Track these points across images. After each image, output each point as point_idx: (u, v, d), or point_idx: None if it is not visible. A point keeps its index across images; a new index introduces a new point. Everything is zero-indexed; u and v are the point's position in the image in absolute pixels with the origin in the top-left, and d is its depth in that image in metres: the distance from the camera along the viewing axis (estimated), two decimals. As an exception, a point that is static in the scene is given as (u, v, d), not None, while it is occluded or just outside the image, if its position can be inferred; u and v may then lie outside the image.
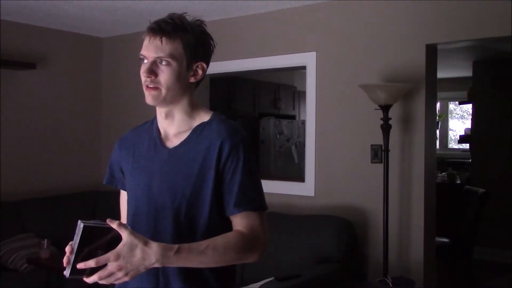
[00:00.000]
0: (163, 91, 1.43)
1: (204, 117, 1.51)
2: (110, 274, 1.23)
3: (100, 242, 1.26)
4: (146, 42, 1.44)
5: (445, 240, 4.47)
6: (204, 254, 1.31)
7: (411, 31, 3.42)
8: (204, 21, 1.53)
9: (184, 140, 1.48)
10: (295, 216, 3.63)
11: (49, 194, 4.57)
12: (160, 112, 1.52)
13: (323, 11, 3.79)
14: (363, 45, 3.61)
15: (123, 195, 1.63)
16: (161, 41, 1.41)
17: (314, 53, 3.82)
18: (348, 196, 3.65)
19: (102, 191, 4.62)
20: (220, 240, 1.35)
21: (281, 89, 6.67)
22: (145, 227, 1.45)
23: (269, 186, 4.24)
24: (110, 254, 1.22)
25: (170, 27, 1.42)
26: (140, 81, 1.47)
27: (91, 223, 1.26)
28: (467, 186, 4.97)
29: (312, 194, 3.81)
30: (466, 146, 7.57)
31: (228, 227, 1.43)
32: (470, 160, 6.57)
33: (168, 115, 1.50)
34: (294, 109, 6.92)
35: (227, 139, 1.43)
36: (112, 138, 1.70)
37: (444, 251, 4.29)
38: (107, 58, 5.12)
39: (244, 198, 1.42)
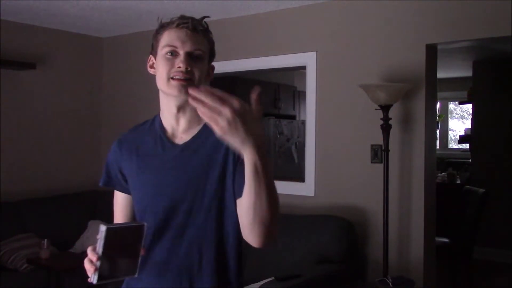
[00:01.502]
0: (195, 82, 1.45)
1: None
2: (215, 109, 1.08)
3: (130, 240, 1.26)
4: (180, 34, 1.45)
5: (445, 240, 4.47)
6: (269, 173, 1.24)
7: (411, 31, 3.42)
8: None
9: (196, 134, 1.48)
10: (295, 216, 3.63)
11: (49, 194, 4.57)
12: (171, 106, 1.49)
13: (323, 11, 3.79)
14: (363, 45, 3.61)
15: (119, 197, 1.62)
16: (198, 35, 1.47)
17: (314, 53, 3.82)
18: (348, 196, 3.65)
19: (102, 191, 4.62)
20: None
21: (281, 89, 6.67)
22: (162, 222, 1.44)
23: (269, 186, 4.27)
24: (222, 94, 1.08)
25: (202, 25, 1.49)
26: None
27: (113, 225, 1.27)
28: (467, 186, 4.97)
29: (312, 194, 3.81)
30: (466, 146, 7.57)
31: None
32: (470, 160, 6.57)
33: (180, 109, 1.49)
34: (294, 109, 6.92)
35: None
36: (112, 138, 1.68)
37: (444, 251, 4.28)
38: (107, 58, 5.12)
39: None
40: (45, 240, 3.63)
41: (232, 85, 5.91)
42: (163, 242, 1.45)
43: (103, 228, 1.22)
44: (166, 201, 1.45)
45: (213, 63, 1.57)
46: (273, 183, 1.26)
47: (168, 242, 1.44)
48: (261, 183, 1.22)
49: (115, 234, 1.24)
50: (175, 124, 1.51)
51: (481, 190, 4.49)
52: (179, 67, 1.43)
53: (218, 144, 1.40)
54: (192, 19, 1.47)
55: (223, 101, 1.08)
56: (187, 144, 1.48)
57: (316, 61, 3.81)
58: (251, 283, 3.13)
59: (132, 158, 1.54)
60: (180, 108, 1.49)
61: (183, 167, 1.45)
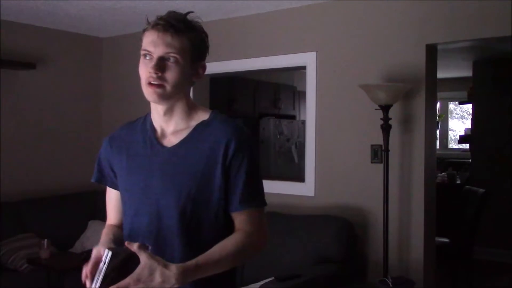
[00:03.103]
0: (168, 88, 1.40)
1: (203, 115, 1.50)
2: None
3: (116, 262, 1.26)
4: (153, 37, 1.40)
5: (445, 240, 4.46)
6: (219, 263, 1.34)
7: (411, 31, 3.42)
8: (200, 18, 1.50)
9: (185, 139, 1.46)
10: (295, 216, 3.63)
11: (49, 194, 4.57)
12: (158, 109, 1.49)
13: (323, 11, 3.79)
14: (363, 45, 3.61)
15: (111, 194, 1.61)
16: (172, 37, 1.39)
17: (314, 53, 3.82)
18: (348, 196, 3.65)
19: (102, 191, 4.55)
20: (229, 245, 1.37)
21: (281, 89, 6.67)
22: (148, 227, 1.44)
23: (269, 186, 4.24)
24: (130, 279, 1.21)
25: (180, 23, 1.40)
26: (140, 81, 1.45)
27: (112, 248, 1.28)
28: (467, 186, 4.96)
29: (312, 194, 3.81)
30: (466, 146, 7.57)
31: (230, 221, 1.45)
32: (470, 160, 6.57)
33: (166, 112, 1.48)
34: (294, 109, 6.92)
35: (233, 138, 1.42)
36: (112, 138, 1.67)
37: (444, 251, 4.28)
38: (107, 58, 5.12)
39: (248, 196, 1.43)
40: (45, 240, 3.63)
41: (232, 85, 5.92)
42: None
43: (109, 253, 1.23)
44: (153, 207, 1.44)
45: (206, 62, 1.53)
46: (225, 259, 1.36)
47: (154, 247, 1.42)
48: (220, 270, 1.37)
49: (117, 261, 1.25)
50: (164, 125, 1.50)
51: (481, 190, 4.49)
52: (150, 72, 1.40)
53: (209, 151, 1.42)
54: (169, 19, 1.40)
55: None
56: (176, 148, 1.46)
57: (316, 61, 3.81)
58: (251, 283, 3.13)
59: (122, 156, 1.53)
60: (167, 111, 1.47)
61: (171, 172, 1.43)
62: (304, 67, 3.93)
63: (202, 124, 1.47)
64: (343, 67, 3.71)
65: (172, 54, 1.39)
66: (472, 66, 6.21)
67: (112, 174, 1.58)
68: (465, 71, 6.61)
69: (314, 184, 3.80)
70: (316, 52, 3.82)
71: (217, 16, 4.11)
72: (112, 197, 1.62)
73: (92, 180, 1.65)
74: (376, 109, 3.33)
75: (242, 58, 4.16)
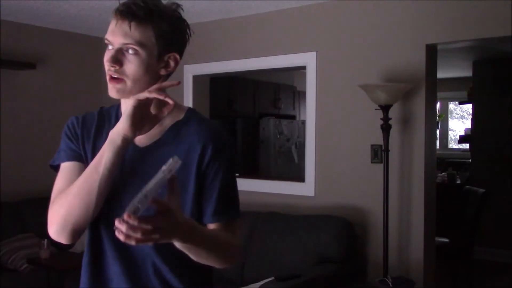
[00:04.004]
0: (129, 83, 1.25)
1: (177, 114, 1.34)
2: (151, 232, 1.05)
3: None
4: (113, 25, 1.25)
5: (445, 240, 4.47)
6: (205, 240, 1.21)
7: (411, 31, 3.42)
8: (181, 5, 1.32)
9: (158, 140, 1.31)
10: (295, 216, 3.63)
11: (49, 194, 4.52)
12: (127, 105, 1.29)
13: (323, 11, 3.79)
14: (363, 45, 3.61)
15: (75, 167, 1.33)
16: (130, 26, 1.22)
17: (314, 53, 3.82)
18: (348, 196, 3.65)
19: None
20: (217, 234, 1.29)
21: (281, 89, 6.67)
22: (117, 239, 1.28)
23: (269, 186, 4.28)
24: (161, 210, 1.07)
25: (142, 11, 1.22)
26: None
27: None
28: (467, 186, 4.97)
29: (312, 194, 3.81)
30: (466, 146, 7.57)
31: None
32: (470, 160, 6.57)
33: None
34: (294, 109, 6.92)
35: (210, 142, 1.29)
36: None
37: (444, 251, 4.28)
38: (107, 58, 5.12)
39: (222, 207, 1.31)
40: (45, 240, 3.63)
41: (232, 85, 5.92)
42: (116, 258, 1.30)
43: (178, 160, 1.08)
44: (122, 210, 1.26)
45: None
46: (212, 243, 1.24)
47: (122, 258, 1.30)
48: (197, 251, 1.22)
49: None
50: None
51: (481, 190, 4.49)
52: (107, 65, 1.25)
53: (184, 155, 1.27)
54: (131, 4, 1.23)
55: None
56: (148, 149, 1.31)
57: (316, 61, 3.81)
58: (251, 283, 3.13)
59: (89, 146, 1.35)
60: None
61: (141, 175, 1.23)
62: (304, 67, 3.93)
63: (177, 125, 1.33)
64: (343, 67, 3.71)
65: (130, 46, 1.23)
66: (472, 66, 6.21)
67: (84, 154, 1.35)
68: (465, 71, 6.61)
69: (314, 184, 3.80)
70: (316, 52, 3.82)
71: (217, 16, 4.11)
72: (81, 171, 1.30)
73: (56, 162, 1.37)
74: (376, 109, 3.33)
75: (242, 58, 4.16)
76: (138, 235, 1.03)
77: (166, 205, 1.07)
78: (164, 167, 1.07)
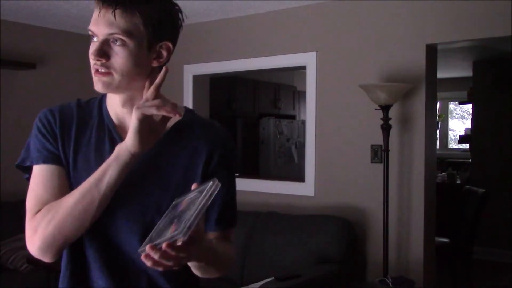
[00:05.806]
0: (116, 77, 1.15)
1: None
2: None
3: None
4: (96, 14, 1.16)
5: (445, 240, 4.46)
6: (209, 255, 1.14)
7: (411, 31, 3.42)
8: None
9: (157, 143, 1.16)
10: (295, 216, 3.63)
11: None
12: (115, 98, 1.22)
13: (323, 11, 3.79)
14: (363, 45, 3.61)
15: (55, 171, 1.19)
16: (114, 14, 1.11)
17: (314, 53, 3.82)
18: (348, 196, 3.65)
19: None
20: (212, 245, 1.19)
21: (281, 89, 6.68)
22: (104, 240, 1.18)
23: (269, 186, 4.28)
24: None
25: None
26: None
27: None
28: (467, 186, 4.96)
29: (312, 194, 3.81)
30: (466, 146, 7.57)
31: None
32: (470, 160, 6.57)
33: (126, 104, 1.21)
34: (294, 109, 6.92)
35: (218, 148, 1.22)
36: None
37: (444, 251, 4.29)
38: (107, 58, 5.12)
39: (225, 215, 1.26)
40: (45, 240, 3.63)
41: (232, 85, 5.93)
42: (103, 268, 1.19)
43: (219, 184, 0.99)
44: (111, 217, 1.17)
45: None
46: (214, 256, 1.16)
47: (110, 270, 1.19)
48: (200, 266, 1.15)
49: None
50: (125, 116, 1.23)
51: (481, 190, 4.49)
52: (92, 58, 1.16)
53: (187, 159, 1.21)
54: None
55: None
56: (146, 153, 1.16)
57: (316, 61, 3.81)
58: (251, 283, 3.13)
59: (69, 142, 1.21)
60: (126, 103, 1.22)
61: (137, 180, 1.17)
62: (304, 67, 3.93)
63: (177, 125, 1.23)
64: (343, 67, 3.71)
65: (116, 36, 1.12)
66: (472, 66, 6.22)
67: (59, 154, 1.21)
68: (465, 71, 6.61)
69: (314, 184, 3.80)
70: (316, 52, 3.82)
71: (217, 16, 4.11)
72: (61, 179, 1.19)
73: (35, 163, 1.21)
74: (376, 109, 3.33)
75: (242, 58, 4.16)
76: (171, 262, 0.97)
77: (201, 233, 1.03)
78: (204, 192, 0.96)
